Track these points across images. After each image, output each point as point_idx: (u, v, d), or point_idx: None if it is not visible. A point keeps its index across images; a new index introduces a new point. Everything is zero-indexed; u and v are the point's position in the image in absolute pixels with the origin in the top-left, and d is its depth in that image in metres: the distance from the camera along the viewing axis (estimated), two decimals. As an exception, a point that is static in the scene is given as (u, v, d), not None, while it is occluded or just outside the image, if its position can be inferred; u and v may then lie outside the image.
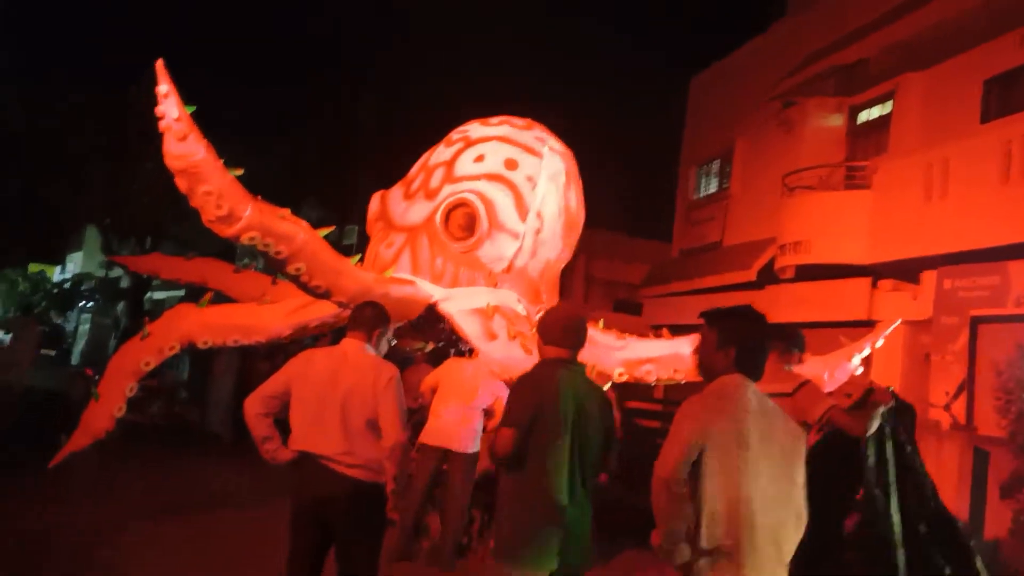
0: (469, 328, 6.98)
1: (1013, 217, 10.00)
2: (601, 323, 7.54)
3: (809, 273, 13.32)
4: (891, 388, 4.83)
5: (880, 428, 4.31)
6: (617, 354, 7.18)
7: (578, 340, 4.02)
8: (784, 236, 13.70)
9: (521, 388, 3.87)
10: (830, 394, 7.87)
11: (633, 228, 20.64)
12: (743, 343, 3.16)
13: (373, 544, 4.22)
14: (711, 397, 3.17)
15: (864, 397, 4.71)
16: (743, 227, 16.25)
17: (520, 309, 7.38)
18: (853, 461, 4.30)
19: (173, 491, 9.29)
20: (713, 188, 18.36)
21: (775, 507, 3.00)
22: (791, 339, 4.46)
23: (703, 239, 17.75)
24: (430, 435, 7.36)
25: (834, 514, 4.21)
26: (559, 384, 3.80)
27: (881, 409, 4.23)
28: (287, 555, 4.22)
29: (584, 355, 7.02)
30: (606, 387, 7.01)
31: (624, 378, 7.05)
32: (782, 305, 13.55)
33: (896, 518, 4.20)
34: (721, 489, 2.96)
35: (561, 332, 3.97)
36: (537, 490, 3.68)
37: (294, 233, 5.83)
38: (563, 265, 8.55)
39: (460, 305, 7.13)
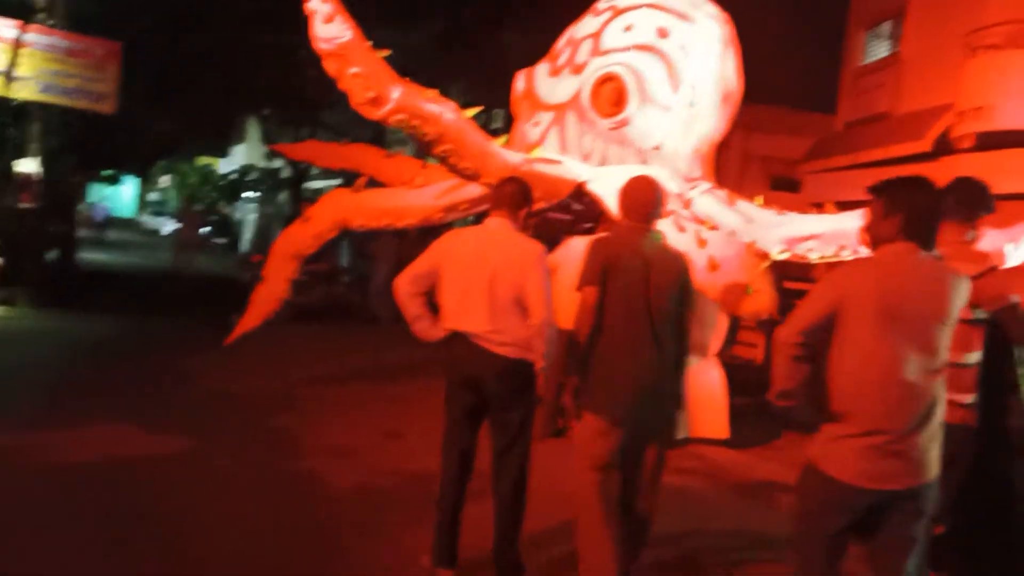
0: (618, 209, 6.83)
1: None
2: (760, 200, 7.21)
3: (992, 141, 12.20)
4: None
5: None
6: (777, 231, 6.86)
7: (650, 213, 4.19)
8: (964, 101, 12.55)
9: (592, 250, 4.11)
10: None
11: (795, 100, 19.44)
12: (911, 209, 3.00)
13: (526, 416, 4.28)
14: (863, 263, 3.18)
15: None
16: (916, 94, 14.99)
17: (673, 188, 7.13)
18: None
19: (337, 365, 9.82)
20: (883, 52, 16.95)
21: (912, 376, 2.92)
22: (976, 200, 3.92)
23: (871, 109, 16.53)
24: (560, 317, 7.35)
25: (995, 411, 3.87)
26: (628, 245, 4.07)
27: None
28: (444, 426, 4.35)
29: (742, 232, 6.79)
30: (765, 265, 6.75)
31: (785, 255, 6.75)
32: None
33: None
34: (852, 354, 2.96)
35: (632, 204, 4.19)
36: (611, 345, 3.99)
37: (441, 114, 5.79)
38: (719, 140, 8.17)
39: (609, 185, 6.96)
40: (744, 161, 18.37)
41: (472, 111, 6.22)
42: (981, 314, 3.71)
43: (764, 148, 18.85)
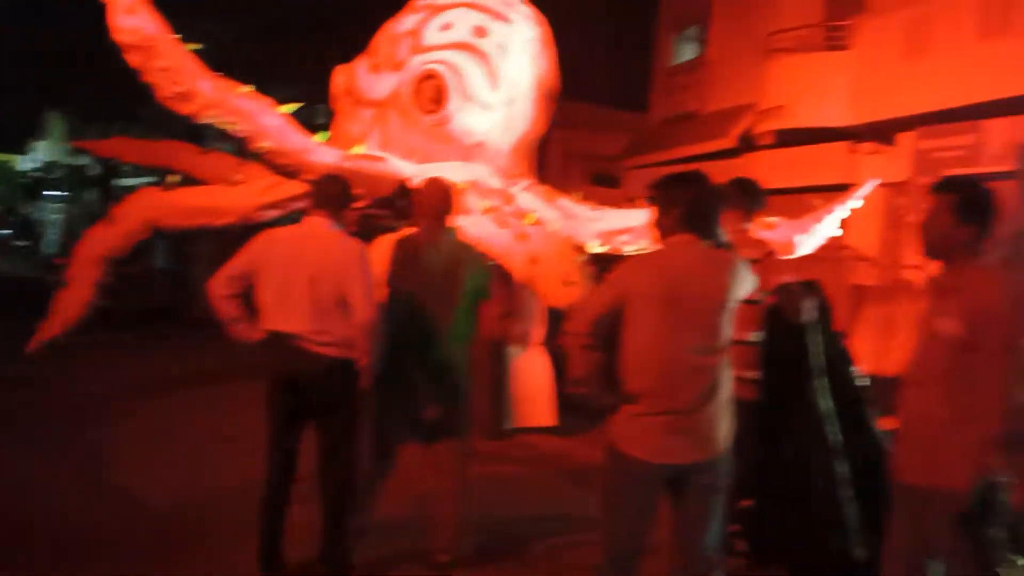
0: (442, 204, 6.89)
1: (989, 73, 9.85)
2: (578, 195, 7.49)
3: (789, 138, 13.20)
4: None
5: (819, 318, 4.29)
6: (593, 225, 7.17)
7: (442, 211, 4.57)
8: (763, 101, 13.49)
9: (394, 249, 4.52)
10: (811, 257, 7.92)
11: (612, 98, 20.21)
12: (687, 204, 3.25)
13: (350, 416, 4.28)
14: (647, 255, 3.43)
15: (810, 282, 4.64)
16: (722, 93, 15.96)
17: (494, 184, 7.27)
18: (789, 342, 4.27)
19: (154, 370, 9.38)
20: (691, 54, 17.94)
21: (695, 357, 3.17)
22: (751, 196, 4.35)
23: (682, 107, 17.46)
24: None
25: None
26: (426, 243, 4.47)
27: (811, 302, 4.19)
28: (267, 428, 4.27)
29: (561, 227, 7.03)
30: (582, 259, 7.02)
31: (602, 248, 7.06)
32: (762, 171, 13.40)
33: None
34: (640, 339, 3.17)
35: (425, 205, 4.56)
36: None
37: (256, 110, 5.66)
38: (538, 137, 8.40)
39: (433, 181, 7.01)
40: (566, 158, 18.90)
41: (290, 107, 6.12)
42: (760, 296, 4.05)
43: (585, 145, 19.47)
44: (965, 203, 3.05)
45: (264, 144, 5.79)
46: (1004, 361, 2.87)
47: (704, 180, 3.37)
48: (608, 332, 3.22)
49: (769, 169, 13.30)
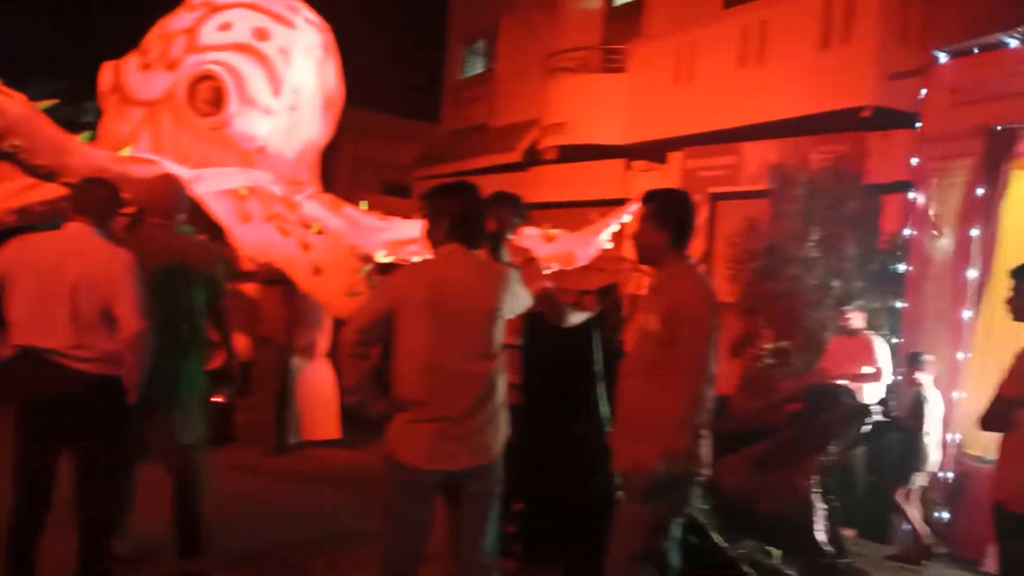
0: (221, 211, 6.62)
1: (748, 100, 10.75)
2: (365, 204, 7.42)
3: (570, 154, 13.75)
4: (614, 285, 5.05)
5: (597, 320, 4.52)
6: (380, 235, 7.14)
7: (174, 209, 4.43)
8: (547, 118, 13.99)
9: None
10: (590, 268, 8.26)
11: (404, 108, 20.25)
12: (454, 214, 3.31)
13: (113, 437, 3.99)
14: (417, 265, 3.52)
15: (605, 289, 4.90)
16: (509, 108, 16.41)
17: (276, 191, 7.08)
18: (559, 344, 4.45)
19: None
20: (480, 68, 18.32)
21: (466, 364, 3.23)
22: (514, 209, 4.50)
23: (471, 120, 17.79)
24: None
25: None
26: (160, 243, 4.29)
27: (586, 314, 4.42)
28: (14, 452, 3.90)
29: (347, 237, 6.95)
30: (367, 269, 6.97)
31: (389, 258, 7.04)
32: (546, 185, 13.98)
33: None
34: (411, 347, 3.20)
35: (155, 202, 4.44)
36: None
37: (5, 106, 5.18)
38: (323, 145, 8.26)
39: (210, 187, 6.72)
40: (355, 167, 18.72)
41: (46, 103, 5.65)
42: None
43: (375, 154, 19.37)
44: (659, 211, 3.37)
45: (15, 142, 5.31)
46: (692, 356, 3.16)
47: (470, 191, 3.43)
48: (382, 340, 3.23)
49: (553, 183, 13.82)
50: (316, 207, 7.06)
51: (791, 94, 10.17)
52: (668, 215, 3.35)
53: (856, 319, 7.03)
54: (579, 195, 13.10)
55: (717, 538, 4.34)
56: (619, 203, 12.33)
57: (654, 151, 12.70)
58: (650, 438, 3.15)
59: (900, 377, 6.76)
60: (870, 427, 5.93)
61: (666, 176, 12.57)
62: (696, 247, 11.58)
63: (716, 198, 11.50)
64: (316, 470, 7.06)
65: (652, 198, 3.41)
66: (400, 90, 19.67)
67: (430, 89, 19.54)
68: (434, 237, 3.36)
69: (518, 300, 3.45)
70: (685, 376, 3.16)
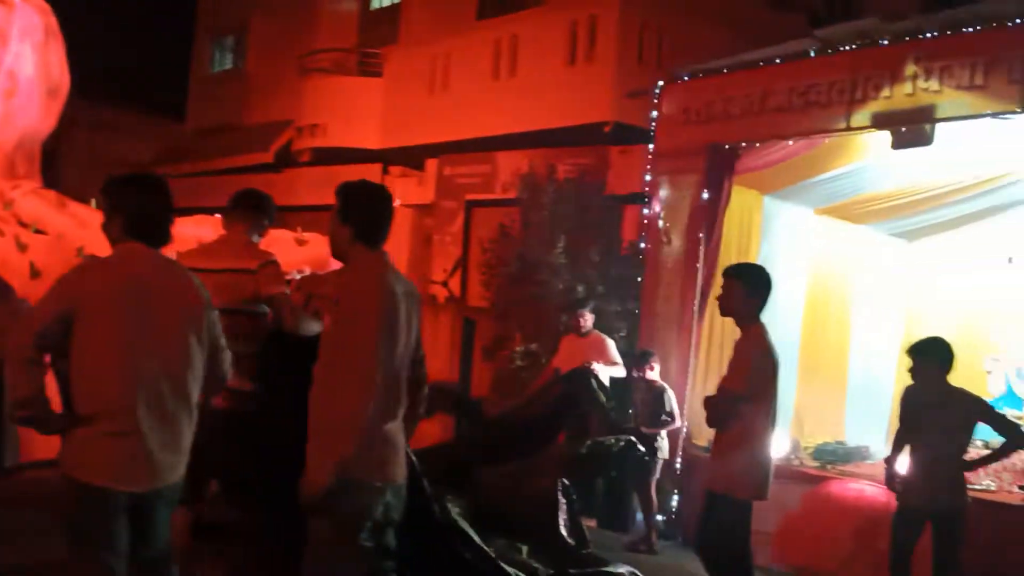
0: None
1: (501, 111, 11.08)
2: (93, 202, 6.82)
3: (325, 157, 13.50)
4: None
5: None
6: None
7: None
8: (301, 119, 13.65)
9: None
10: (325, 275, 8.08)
11: (147, 104, 18.93)
12: (131, 210, 2.97)
13: None
14: (99, 262, 3.11)
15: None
16: (261, 107, 15.83)
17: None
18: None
19: None
20: (229, 63, 17.53)
21: (159, 372, 2.91)
22: (260, 208, 4.24)
23: (220, 118, 16.95)
24: None
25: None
26: None
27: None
28: None
29: (73, 236, 6.35)
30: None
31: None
32: (300, 188, 13.60)
33: None
34: (94, 354, 2.84)
35: None
36: None
37: None
38: (45, 136, 7.52)
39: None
40: (91, 164, 17.24)
41: None
42: (256, 307, 3.98)
43: (113, 150, 17.93)
44: (343, 205, 3.14)
45: None
46: (359, 355, 2.90)
47: (155, 186, 3.07)
48: (56, 345, 2.83)
49: (308, 186, 13.47)
50: (36, 204, 6.40)
51: (541, 107, 10.59)
52: (351, 209, 3.11)
53: (588, 320, 7.39)
54: (334, 199, 12.85)
55: (483, 546, 4.35)
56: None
57: (411, 157, 12.75)
58: (317, 443, 2.89)
59: (636, 375, 7.18)
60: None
61: (424, 183, 12.66)
62: (453, 253, 11.80)
63: (472, 205, 11.73)
64: (31, 493, 6.37)
65: (338, 191, 3.19)
66: (143, 85, 18.38)
67: (176, 84, 18.42)
68: (110, 234, 2.99)
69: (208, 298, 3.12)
70: (354, 377, 2.89)
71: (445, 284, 11.70)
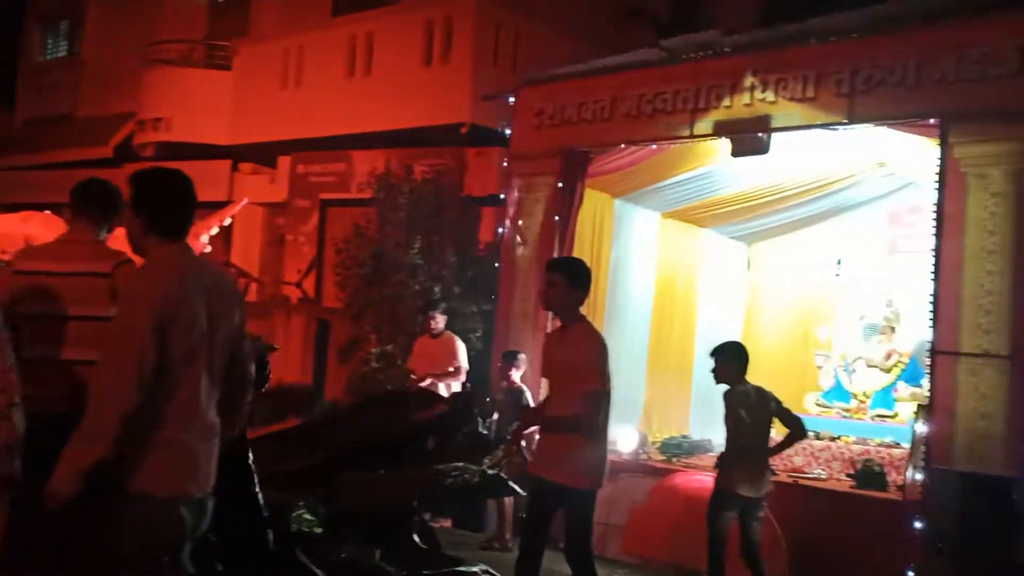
0: None
1: (356, 109, 10.93)
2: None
3: (171, 152, 12.88)
4: None
5: None
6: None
7: None
8: (144, 111, 13.01)
9: None
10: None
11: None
12: (163, 209, 2.84)
13: None
14: (159, 268, 2.86)
15: None
16: (99, 98, 14.94)
17: None
18: None
19: None
20: (63, 51, 16.49)
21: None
22: (106, 200, 3.88)
23: (52, 108, 15.91)
24: None
25: None
26: None
27: None
28: None
29: None
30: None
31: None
32: (143, 184, 12.95)
33: None
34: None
35: None
36: None
37: None
38: None
39: None
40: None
41: None
42: (109, 310, 3.72)
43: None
44: (133, 195, 2.90)
45: None
46: (119, 349, 2.63)
47: (182, 180, 2.90)
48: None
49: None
50: None
51: (397, 106, 10.52)
52: (144, 199, 2.86)
53: (440, 321, 7.38)
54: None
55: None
56: (224, 205, 11.83)
57: (263, 154, 12.37)
58: (68, 446, 2.57)
59: (505, 378, 7.16)
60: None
61: (276, 180, 12.32)
62: (307, 253, 11.53)
63: (327, 204, 11.51)
64: None
65: (130, 180, 2.94)
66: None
67: (2, 72, 17.16)
68: (139, 235, 2.87)
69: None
70: (112, 375, 2.60)
71: (299, 285, 11.43)
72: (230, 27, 13.67)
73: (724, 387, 5.16)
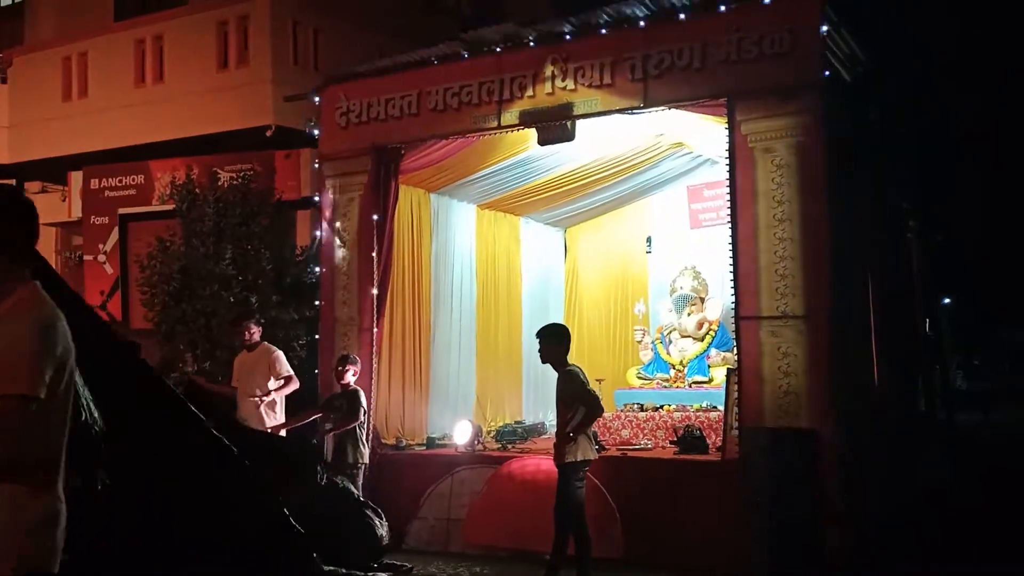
0: None
1: (150, 117, 10.34)
2: None
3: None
4: None
5: None
6: None
7: None
8: None
9: None
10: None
11: None
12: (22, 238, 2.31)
13: None
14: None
15: None
16: None
17: None
18: None
19: None
20: None
21: None
22: None
23: None
24: None
25: None
26: None
27: None
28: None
29: None
30: None
31: None
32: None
33: None
34: None
35: None
36: None
37: None
38: None
39: None
40: None
41: None
42: None
43: None
44: None
45: None
46: None
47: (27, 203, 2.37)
48: None
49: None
50: None
51: (195, 112, 10.04)
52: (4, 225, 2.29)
53: (255, 332, 7.01)
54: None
55: None
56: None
57: (50, 170, 11.50)
58: None
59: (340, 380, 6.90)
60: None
61: (68, 197, 11.49)
62: (108, 272, 10.80)
63: (127, 219, 10.82)
64: None
65: None
66: None
67: None
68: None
69: None
70: None
71: (103, 307, 10.69)
72: (3, 36, 12.59)
73: (553, 370, 5.30)
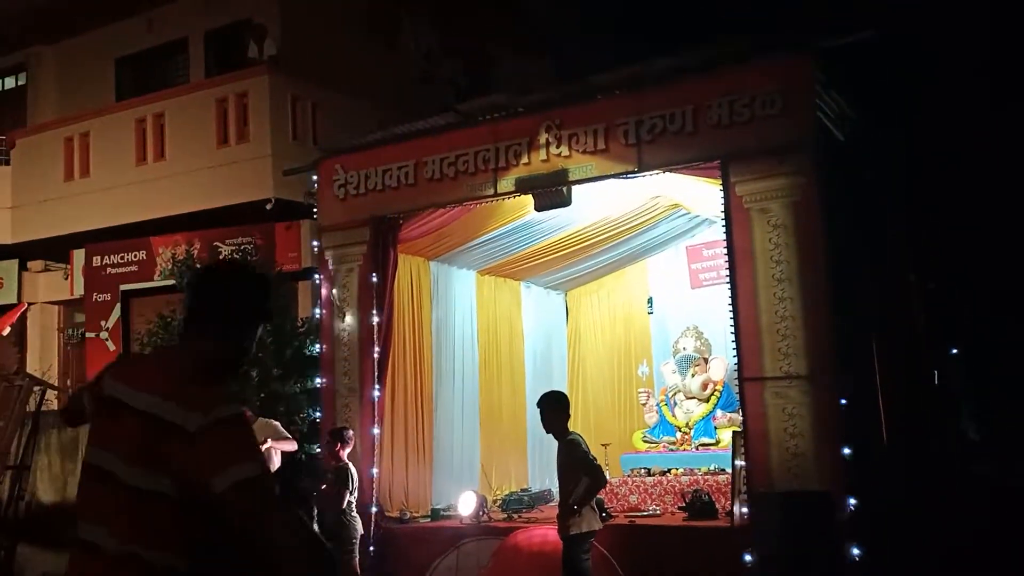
0: None
1: (151, 194, 10.45)
2: None
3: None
4: None
5: None
6: None
7: None
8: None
9: None
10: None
11: None
12: None
13: None
14: None
15: None
16: None
17: None
18: None
19: None
20: None
21: None
22: None
23: None
24: None
25: None
26: None
27: None
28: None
29: None
30: None
31: None
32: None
33: None
34: None
35: None
36: None
37: None
38: None
39: None
40: None
41: None
42: None
43: None
44: None
45: None
46: None
47: None
48: None
49: None
50: None
51: (196, 188, 10.15)
52: None
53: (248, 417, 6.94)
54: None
55: None
56: (11, 308, 10.92)
57: (52, 249, 11.58)
58: None
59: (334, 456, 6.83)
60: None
61: (71, 276, 11.54)
62: (112, 349, 10.75)
63: (128, 295, 10.86)
64: None
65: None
66: None
67: None
68: None
69: None
70: None
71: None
72: (6, 118, 12.81)
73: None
